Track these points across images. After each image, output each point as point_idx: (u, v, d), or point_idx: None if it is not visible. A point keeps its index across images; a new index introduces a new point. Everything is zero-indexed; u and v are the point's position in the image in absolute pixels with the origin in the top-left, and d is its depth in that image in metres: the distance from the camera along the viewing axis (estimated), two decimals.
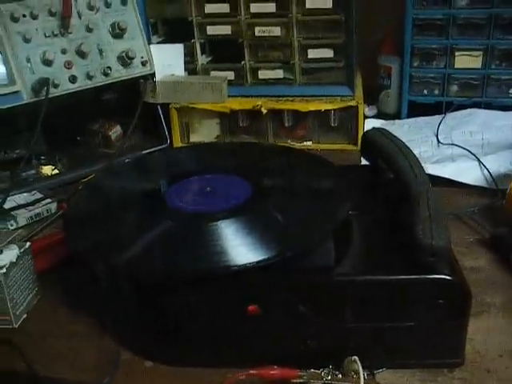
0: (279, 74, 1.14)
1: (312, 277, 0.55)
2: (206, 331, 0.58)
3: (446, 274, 0.54)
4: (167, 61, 1.15)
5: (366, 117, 1.16)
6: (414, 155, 0.67)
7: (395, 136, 0.72)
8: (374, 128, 0.74)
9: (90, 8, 0.99)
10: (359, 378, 0.52)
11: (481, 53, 1.14)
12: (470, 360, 0.59)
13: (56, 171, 1.06)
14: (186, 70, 1.17)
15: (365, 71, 1.26)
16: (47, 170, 1.06)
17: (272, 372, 0.53)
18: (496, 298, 0.68)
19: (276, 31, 1.11)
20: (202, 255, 0.55)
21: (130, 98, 1.13)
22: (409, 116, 1.22)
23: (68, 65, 0.97)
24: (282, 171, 0.72)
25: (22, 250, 0.68)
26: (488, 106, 1.17)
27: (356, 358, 0.53)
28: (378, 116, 1.27)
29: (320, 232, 0.58)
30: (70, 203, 0.72)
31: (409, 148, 0.69)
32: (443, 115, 1.14)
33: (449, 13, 1.13)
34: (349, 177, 0.70)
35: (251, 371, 0.52)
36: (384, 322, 0.56)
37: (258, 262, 0.53)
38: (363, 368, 0.54)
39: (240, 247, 0.56)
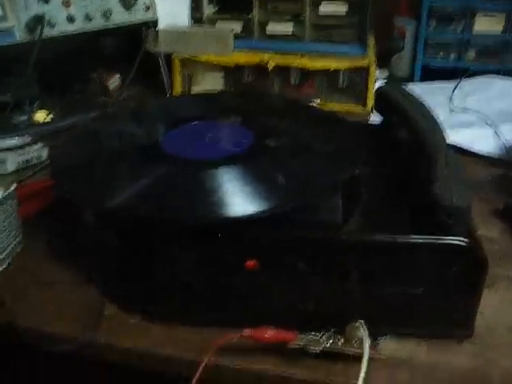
0: (288, 28, 1.08)
1: (316, 233, 0.50)
2: (198, 286, 0.53)
3: (462, 238, 0.50)
4: (171, 9, 1.09)
5: (376, 79, 1.11)
6: (432, 114, 0.62)
7: (411, 93, 0.67)
8: (388, 83, 0.69)
9: None
10: (363, 345, 0.47)
11: (504, 16, 1.08)
12: (478, 333, 0.55)
13: (49, 118, 1.01)
14: (190, 19, 1.11)
15: (377, 33, 1.20)
16: (40, 116, 1.00)
17: (267, 334, 0.49)
18: (509, 271, 0.64)
19: None
20: (197, 204, 0.51)
21: (130, 47, 1.08)
22: (422, 80, 1.17)
23: (66, 3, 0.91)
24: (290, 123, 0.67)
25: (6, 193, 0.63)
26: (507, 73, 1.11)
27: (362, 322, 0.49)
28: (389, 79, 1.21)
29: (326, 186, 0.54)
30: (59, 148, 0.67)
31: (426, 106, 0.64)
32: (458, 80, 1.09)
33: None
34: (360, 133, 0.65)
35: (244, 332, 0.48)
36: (391, 286, 0.52)
37: (258, 213, 0.49)
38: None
39: (239, 197, 0.51)
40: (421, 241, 0.50)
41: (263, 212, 0.49)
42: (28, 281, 0.62)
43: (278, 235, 0.50)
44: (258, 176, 0.54)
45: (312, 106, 0.86)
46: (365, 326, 0.49)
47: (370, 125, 0.84)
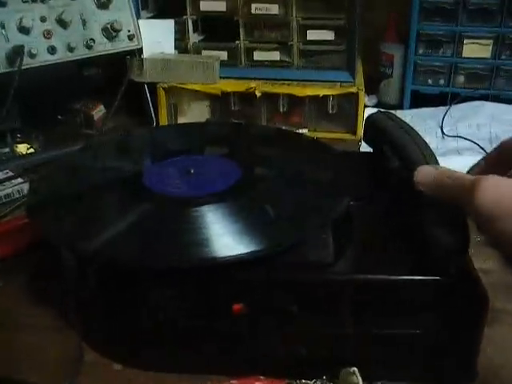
0: (275, 55, 1.07)
1: (307, 274, 0.47)
2: (184, 332, 0.50)
3: (459, 276, 0.47)
4: (156, 37, 1.07)
5: (365, 106, 1.09)
6: (425, 141, 0.60)
7: (402, 120, 0.65)
8: (379, 111, 0.67)
9: None
10: None
11: (491, 41, 1.07)
12: (483, 375, 0.52)
13: (32, 150, 0.98)
14: (176, 48, 1.09)
15: (365, 59, 1.19)
16: (22, 148, 0.98)
17: (256, 383, 0.46)
18: (509, 304, 0.62)
19: (274, 9, 1.04)
20: (181, 244, 0.48)
21: (115, 76, 1.06)
22: (411, 107, 1.16)
23: (47, 34, 0.89)
24: (277, 155, 0.64)
25: None
26: (496, 98, 1.10)
27: (355, 369, 0.46)
28: (378, 106, 1.19)
29: (316, 224, 0.51)
30: (37, 184, 0.64)
31: (418, 133, 0.62)
32: (448, 106, 1.07)
33: None
34: (350, 164, 0.63)
35: (232, 381, 0.45)
36: (386, 328, 0.49)
37: (245, 254, 0.46)
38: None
39: (225, 237, 0.48)
40: (417, 280, 0.47)
41: (252, 253, 0.46)
42: (3, 322, 0.59)
43: (266, 277, 0.47)
44: (246, 214, 0.51)
45: (301, 136, 0.84)
46: (358, 373, 0.46)
47: (361, 154, 0.82)
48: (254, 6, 1.04)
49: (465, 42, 1.08)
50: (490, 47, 1.07)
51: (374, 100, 1.22)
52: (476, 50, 1.08)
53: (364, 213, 0.55)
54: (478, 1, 1.05)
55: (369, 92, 1.18)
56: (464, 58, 1.10)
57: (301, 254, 0.48)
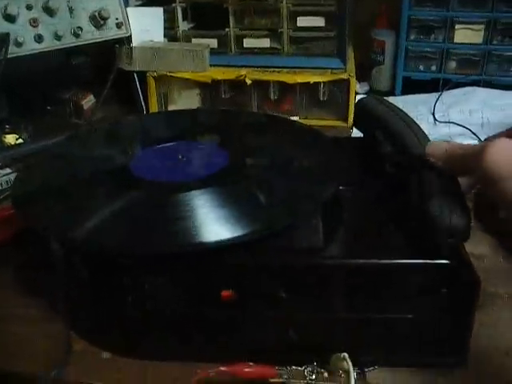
0: (266, 42, 1.06)
1: (297, 259, 0.47)
2: (172, 319, 0.50)
3: (450, 259, 0.47)
4: (145, 26, 1.06)
5: (356, 93, 1.08)
6: (418, 125, 0.59)
7: (393, 104, 0.64)
8: (369, 95, 0.66)
9: None
10: (349, 377, 0.44)
11: (482, 27, 1.06)
12: (473, 359, 0.52)
13: (20, 140, 0.97)
14: (165, 36, 1.08)
15: (356, 46, 1.18)
16: (10, 138, 0.97)
17: (246, 370, 0.45)
18: (501, 288, 0.61)
19: None
20: (169, 230, 0.47)
21: (104, 65, 1.05)
22: (403, 93, 1.15)
23: (34, 22, 0.88)
24: (266, 141, 0.63)
25: None
26: (488, 84, 1.10)
27: (346, 355, 0.45)
28: (369, 93, 1.19)
29: (306, 208, 0.50)
30: (22, 174, 0.63)
31: (410, 117, 0.61)
32: (440, 92, 1.06)
33: None
34: (340, 149, 0.62)
35: (222, 368, 0.44)
36: (378, 312, 0.49)
37: (234, 239, 0.45)
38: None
39: (214, 222, 0.48)
40: (408, 263, 0.47)
41: (240, 237, 0.45)
42: None
43: (256, 262, 0.47)
44: (233, 199, 0.51)
45: (291, 122, 0.83)
46: (349, 358, 0.45)
47: (352, 140, 0.81)
48: None
49: (456, 27, 1.07)
50: (482, 32, 1.06)
51: (365, 87, 1.22)
52: (468, 35, 1.08)
53: (355, 198, 0.55)
54: None
55: (360, 79, 1.17)
56: (455, 43, 1.09)
57: (291, 238, 0.48)
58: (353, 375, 0.44)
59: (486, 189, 0.43)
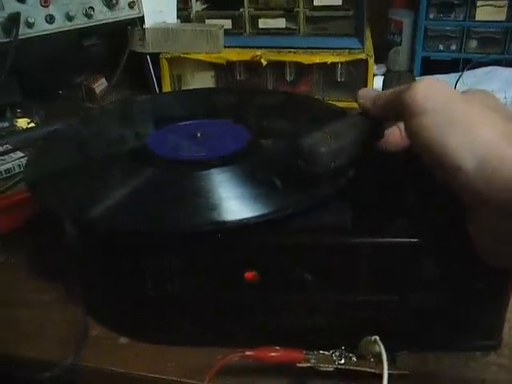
0: (281, 22, 1.03)
1: (323, 238, 0.45)
2: (193, 302, 0.48)
3: None
4: (158, 6, 1.04)
5: (374, 75, 1.06)
6: None
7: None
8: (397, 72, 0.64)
9: None
10: (381, 361, 0.42)
11: (506, 2, 1.03)
12: (507, 343, 0.50)
13: (32, 124, 0.95)
14: (178, 17, 1.06)
15: (373, 27, 1.15)
16: (22, 122, 0.95)
17: (272, 354, 0.43)
18: None
19: None
20: (189, 209, 0.45)
21: (116, 47, 1.03)
22: (422, 74, 1.12)
23: (44, 2, 0.86)
24: (287, 118, 0.61)
25: None
26: (510, 63, 1.06)
27: (377, 337, 0.43)
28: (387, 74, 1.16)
29: (330, 188, 0.48)
30: (35, 154, 0.61)
31: None
32: (460, 73, 1.03)
33: None
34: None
35: (247, 352, 0.42)
36: (408, 294, 0.46)
37: (258, 217, 0.43)
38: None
39: (236, 200, 0.46)
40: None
41: (263, 216, 0.43)
42: (3, 300, 0.57)
43: (281, 241, 0.44)
44: (256, 177, 0.48)
45: (312, 100, 0.80)
46: (380, 342, 0.43)
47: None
48: None
49: (478, 4, 1.04)
50: (506, 9, 1.03)
51: (382, 69, 1.19)
52: (490, 12, 1.04)
53: (376, 177, 0.52)
54: None
55: (377, 61, 1.14)
56: (477, 21, 1.06)
57: (316, 218, 0.46)
58: (385, 358, 0.42)
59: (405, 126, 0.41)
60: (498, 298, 0.47)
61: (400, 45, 1.16)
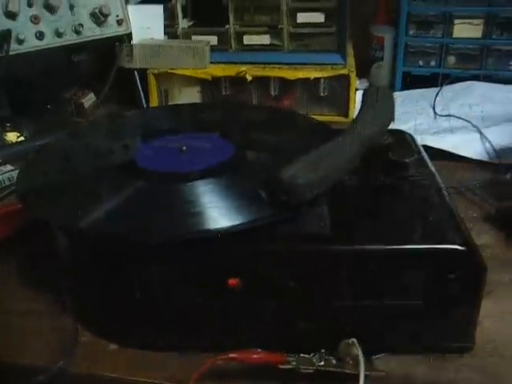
0: (266, 39, 1.06)
1: (303, 245, 0.47)
2: (178, 308, 0.50)
3: (457, 244, 0.47)
4: (145, 23, 1.06)
5: (356, 89, 1.09)
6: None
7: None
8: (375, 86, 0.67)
9: None
10: (358, 363, 0.44)
11: (481, 21, 1.07)
12: (480, 345, 0.52)
13: (22, 138, 0.97)
14: (165, 33, 1.09)
15: (355, 43, 1.18)
16: (12, 136, 0.97)
17: (255, 356, 0.45)
18: (505, 276, 0.62)
19: None
20: (174, 219, 0.48)
21: (105, 63, 1.05)
22: (403, 89, 1.15)
23: (35, 19, 0.88)
24: (271, 132, 0.64)
25: None
26: (487, 78, 1.10)
27: (354, 340, 0.45)
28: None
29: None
30: (26, 167, 0.63)
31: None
32: (440, 87, 1.07)
33: None
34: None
35: (231, 355, 0.45)
36: (385, 300, 0.49)
37: (239, 226, 0.45)
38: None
39: (218, 210, 0.48)
40: (415, 249, 0.47)
41: (243, 225, 0.45)
42: None
43: (263, 249, 0.47)
44: (238, 188, 0.51)
45: (294, 114, 0.83)
46: (358, 344, 0.45)
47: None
48: None
49: (455, 22, 1.08)
50: (481, 27, 1.07)
51: (365, 84, 1.22)
52: (467, 29, 1.08)
53: (359, 186, 0.55)
54: None
55: (360, 76, 1.18)
56: (455, 38, 1.09)
57: (297, 226, 0.48)
58: (362, 360, 0.44)
59: None
60: (470, 303, 0.49)
61: (382, 60, 1.19)
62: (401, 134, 0.67)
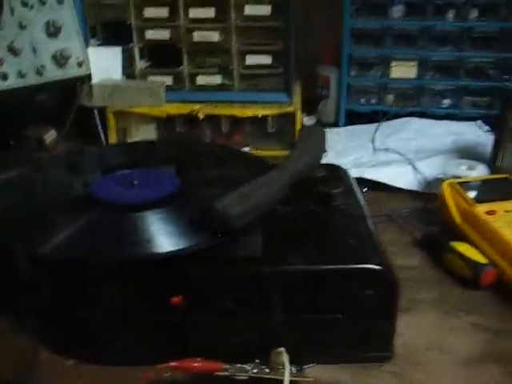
0: (217, 79, 1.14)
1: (237, 268, 0.54)
2: (128, 325, 0.56)
3: (373, 264, 0.54)
4: (105, 64, 1.13)
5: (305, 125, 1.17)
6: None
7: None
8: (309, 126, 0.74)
9: (24, 4, 0.96)
10: (285, 369, 0.50)
11: (415, 63, 1.17)
12: (400, 354, 0.59)
13: None
14: (123, 74, 1.15)
15: (305, 82, 1.27)
16: None
17: (194, 364, 0.51)
18: (427, 295, 0.69)
19: (215, 37, 1.11)
20: (124, 244, 0.54)
21: (66, 101, 1.11)
22: (347, 124, 1.24)
23: None
24: (213, 167, 0.71)
25: None
26: (422, 115, 1.20)
27: (283, 349, 0.52)
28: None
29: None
30: None
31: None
32: (379, 123, 1.16)
33: (384, 24, 1.16)
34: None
35: (172, 363, 0.51)
36: (312, 314, 0.55)
37: (179, 250, 0.52)
38: (292, 363, 0.52)
39: (162, 236, 0.55)
40: (336, 268, 0.54)
41: (185, 249, 0.52)
42: None
43: (201, 271, 0.53)
44: (181, 217, 0.58)
45: (235, 151, 0.90)
46: (285, 352, 0.51)
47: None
48: (196, 33, 1.11)
49: (392, 64, 1.18)
50: (415, 68, 1.17)
51: (313, 120, 1.30)
52: (403, 71, 1.18)
53: (290, 215, 0.62)
54: (401, 27, 1.15)
55: (309, 112, 1.26)
56: (392, 78, 1.19)
57: (233, 250, 0.55)
58: (288, 365, 0.50)
59: None
60: (386, 316, 0.56)
61: (328, 98, 1.28)
62: (334, 168, 0.75)
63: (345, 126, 1.24)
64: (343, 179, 0.72)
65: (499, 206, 0.76)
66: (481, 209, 0.76)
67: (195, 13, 1.11)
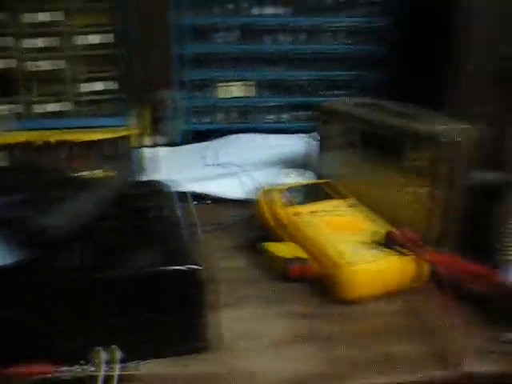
0: (55, 107, 1.17)
1: (55, 276, 0.59)
2: None
3: (182, 265, 0.62)
4: None
5: (152, 146, 1.23)
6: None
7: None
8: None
9: None
10: (110, 366, 0.56)
11: (243, 83, 1.28)
12: (220, 344, 0.66)
13: None
14: None
15: (150, 105, 1.33)
16: None
17: (22, 370, 0.56)
18: (250, 291, 0.78)
19: (49, 66, 1.15)
20: None
21: None
22: (183, 143, 1.33)
23: None
24: (44, 189, 0.75)
25: None
26: (250, 130, 1.31)
27: (100, 348, 0.58)
28: (160, 145, 1.34)
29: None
30: None
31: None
32: (211, 141, 1.25)
33: (209, 48, 1.26)
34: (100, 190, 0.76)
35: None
36: (128, 316, 0.62)
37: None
38: (120, 361, 0.59)
39: None
40: (149, 271, 0.61)
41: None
42: None
43: (22, 281, 0.58)
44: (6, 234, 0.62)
45: (75, 176, 0.96)
46: (102, 350, 0.58)
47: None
48: (29, 63, 1.14)
49: (219, 85, 1.28)
50: (243, 87, 1.29)
51: (156, 139, 1.36)
52: (231, 91, 1.29)
53: (111, 226, 0.68)
54: (224, 51, 1.26)
55: (154, 133, 1.33)
56: (221, 98, 1.30)
57: (52, 261, 0.60)
58: (103, 363, 0.56)
59: None
60: (197, 311, 0.64)
61: (167, 119, 1.36)
62: (156, 183, 0.83)
63: (182, 145, 1.32)
64: (163, 193, 0.79)
65: (306, 208, 0.87)
66: (289, 211, 0.86)
67: (28, 43, 1.14)
